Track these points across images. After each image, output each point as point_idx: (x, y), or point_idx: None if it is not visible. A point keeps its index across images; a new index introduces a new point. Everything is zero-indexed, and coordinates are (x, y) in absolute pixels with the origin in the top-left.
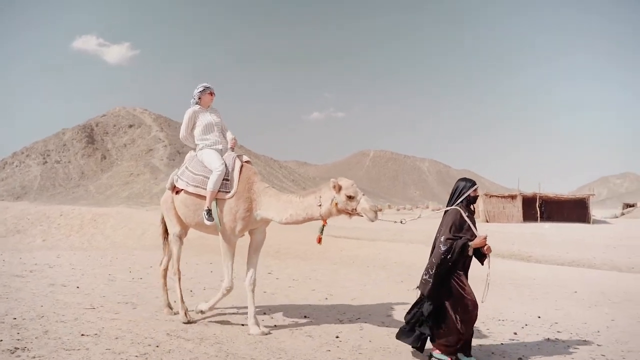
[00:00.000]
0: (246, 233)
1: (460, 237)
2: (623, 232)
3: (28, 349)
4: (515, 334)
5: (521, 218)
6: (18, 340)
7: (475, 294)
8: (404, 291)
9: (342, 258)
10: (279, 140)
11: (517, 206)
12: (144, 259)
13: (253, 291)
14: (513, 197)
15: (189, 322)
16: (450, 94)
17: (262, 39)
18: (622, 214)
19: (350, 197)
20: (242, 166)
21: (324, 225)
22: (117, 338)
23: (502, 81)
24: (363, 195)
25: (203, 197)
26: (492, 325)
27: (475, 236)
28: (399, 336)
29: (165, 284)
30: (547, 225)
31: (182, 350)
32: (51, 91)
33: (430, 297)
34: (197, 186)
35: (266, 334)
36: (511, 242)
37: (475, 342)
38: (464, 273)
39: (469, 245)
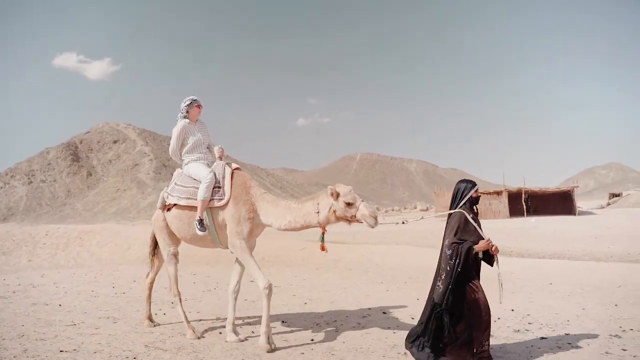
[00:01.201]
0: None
1: (465, 241)
2: (606, 222)
3: None
4: None
5: (508, 213)
6: None
7: (488, 295)
8: (383, 292)
9: (325, 262)
10: (266, 147)
11: (503, 202)
12: (128, 274)
13: (235, 299)
14: (499, 193)
15: (200, 337)
16: (434, 94)
17: (244, 48)
18: (608, 204)
19: (348, 204)
20: (232, 173)
21: (323, 233)
22: (95, 352)
23: (485, 81)
24: (362, 201)
25: (196, 209)
26: None
27: (481, 238)
28: (411, 351)
29: (149, 295)
30: (534, 219)
31: None
32: (33, 110)
33: (443, 303)
34: (189, 198)
35: (243, 341)
36: (495, 238)
37: None
38: (477, 276)
39: (473, 249)
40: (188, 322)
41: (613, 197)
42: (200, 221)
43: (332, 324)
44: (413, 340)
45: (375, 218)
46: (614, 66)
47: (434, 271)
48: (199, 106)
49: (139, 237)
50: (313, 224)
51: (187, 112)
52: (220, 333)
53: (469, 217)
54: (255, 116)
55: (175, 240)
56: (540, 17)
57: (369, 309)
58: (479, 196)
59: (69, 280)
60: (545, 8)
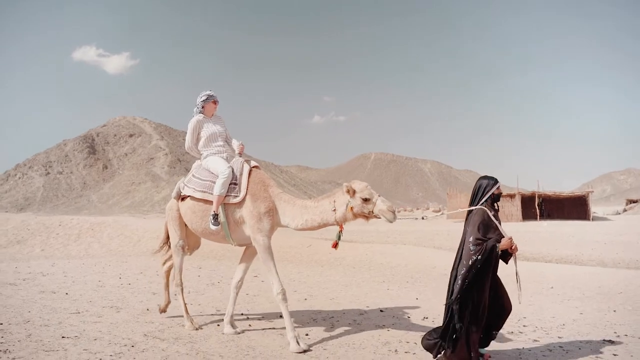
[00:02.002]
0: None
1: (489, 239)
2: (620, 228)
3: (9, 351)
4: None
5: (520, 217)
6: (0, 343)
7: (506, 295)
8: (384, 290)
9: (329, 260)
10: (281, 145)
11: (517, 205)
12: (136, 265)
13: (237, 294)
14: (512, 196)
15: (198, 329)
16: (450, 95)
17: (261, 45)
18: (625, 210)
19: (365, 200)
20: (250, 170)
21: (340, 231)
22: (95, 339)
23: (501, 82)
24: (379, 196)
25: (210, 203)
26: None
27: (502, 236)
28: (427, 347)
29: (167, 284)
30: (546, 224)
31: (155, 349)
32: (52, 102)
33: (456, 299)
34: (204, 192)
35: (239, 333)
36: None
37: None
38: (492, 276)
39: (497, 247)
40: (188, 313)
41: (630, 203)
42: (215, 216)
43: (329, 320)
44: (432, 339)
45: (394, 212)
46: (634, 68)
47: (439, 271)
48: (215, 102)
49: (149, 230)
50: (330, 222)
51: (202, 107)
52: (218, 325)
53: (491, 215)
54: (271, 113)
55: (185, 232)
56: (565, 15)
57: (367, 306)
58: (500, 193)
59: (78, 270)
60: (562, 8)
